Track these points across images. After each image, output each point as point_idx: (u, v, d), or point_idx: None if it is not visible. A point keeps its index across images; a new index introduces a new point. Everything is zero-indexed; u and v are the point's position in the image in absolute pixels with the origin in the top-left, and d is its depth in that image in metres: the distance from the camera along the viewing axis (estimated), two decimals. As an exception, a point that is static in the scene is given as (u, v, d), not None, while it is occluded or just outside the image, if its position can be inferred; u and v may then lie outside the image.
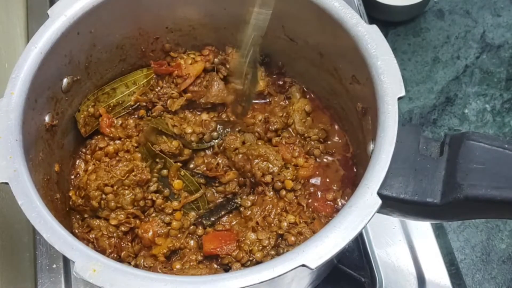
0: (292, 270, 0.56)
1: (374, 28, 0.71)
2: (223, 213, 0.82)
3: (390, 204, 0.65)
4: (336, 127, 0.89)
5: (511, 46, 1.20)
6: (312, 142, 0.86)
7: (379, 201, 0.60)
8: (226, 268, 0.77)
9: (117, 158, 0.83)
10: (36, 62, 0.70)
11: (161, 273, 0.58)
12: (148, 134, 0.84)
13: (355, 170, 0.85)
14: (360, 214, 0.59)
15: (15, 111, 0.66)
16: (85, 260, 0.57)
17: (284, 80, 0.93)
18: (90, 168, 0.83)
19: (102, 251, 0.76)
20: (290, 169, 0.83)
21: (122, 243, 0.78)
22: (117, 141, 0.86)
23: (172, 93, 0.89)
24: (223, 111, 0.92)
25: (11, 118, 0.66)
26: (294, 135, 0.88)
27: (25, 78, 0.68)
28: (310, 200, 0.83)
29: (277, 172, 0.81)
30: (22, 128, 0.67)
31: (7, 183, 0.61)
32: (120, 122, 0.88)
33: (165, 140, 0.83)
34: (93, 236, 0.78)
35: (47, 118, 0.76)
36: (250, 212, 0.81)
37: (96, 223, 0.79)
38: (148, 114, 0.90)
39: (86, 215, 0.81)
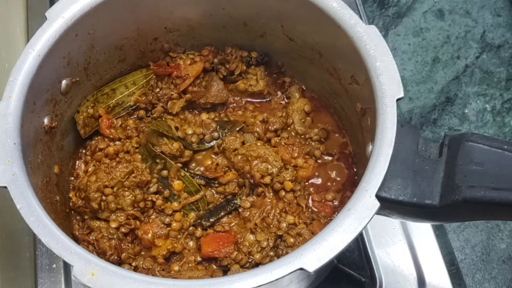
0: (290, 273, 0.56)
1: (373, 28, 0.70)
2: (222, 214, 0.82)
3: (389, 206, 0.65)
4: (336, 127, 0.89)
5: (511, 46, 1.19)
6: (313, 143, 0.86)
7: (377, 204, 0.60)
8: (225, 270, 0.77)
9: (117, 160, 0.83)
10: (34, 64, 0.70)
11: (159, 277, 0.58)
12: (149, 135, 0.84)
13: (355, 170, 0.85)
14: (358, 217, 0.59)
15: (13, 114, 0.66)
16: (84, 264, 0.57)
17: (284, 80, 0.93)
18: (90, 169, 0.83)
19: (103, 253, 0.76)
20: (290, 170, 0.83)
21: (122, 244, 0.78)
22: (117, 142, 0.86)
23: (172, 94, 0.89)
24: (222, 111, 0.92)
25: (9, 121, 0.66)
26: (293, 135, 0.88)
27: (23, 81, 0.68)
28: (309, 201, 0.83)
29: (276, 173, 0.81)
30: (21, 131, 0.67)
31: (5, 187, 0.61)
32: (119, 122, 0.88)
33: (166, 142, 0.83)
34: (94, 237, 0.78)
35: (46, 120, 0.76)
36: (249, 213, 0.81)
37: (96, 225, 0.79)
38: (148, 114, 0.90)
39: (86, 217, 0.81)
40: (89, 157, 0.86)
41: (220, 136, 0.88)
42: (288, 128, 0.88)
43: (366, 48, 0.69)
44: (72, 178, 0.85)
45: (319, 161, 0.86)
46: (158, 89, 0.89)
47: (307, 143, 0.86)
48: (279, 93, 0.93)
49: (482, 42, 1.20)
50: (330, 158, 0.86)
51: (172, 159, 0.84)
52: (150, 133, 0.84)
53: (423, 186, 0.64)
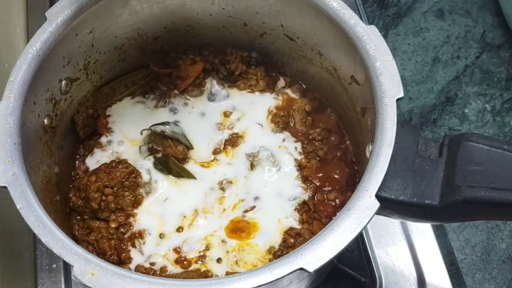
0: (290, 273, 0.56)
1: (373, 28, 0.71)
2: (222, 214, 0.82)
3: (389, 206, 0.65)
4: (336, 126, 0.89)
5: (511, 46, 1.19)
6: (316, 143, 0.86)
7: (377, 204, 0.60)
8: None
9: (117, 160, 0.83)
10: (34, 64, 0.70)
11: (159, 277, 0.58)
12: (153, 137, 0.84)
13: (355, 169, 0.85)
14: (358, 217, 0.59)
15: (13, 114, 0.66)
16: (84, 264, 0.57)
17: (284, 80, 0.93)
18: (90, 169, 0.83)
19: (103, 253, 0.76)
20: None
21: (122, 244, 0.78)
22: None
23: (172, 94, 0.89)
24: (223, 111, 0.92)
25: (9, 121, 0.66)
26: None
27: (23, 81, 0.68)
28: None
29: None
30: (21, 131, 0.67)
31: (5, 187, 0.61)
32: (119, 122, 0.88)
33: (170, 144, 0.83)
34: (93, 238, 0.78)
35: (46, 120, 0.76)
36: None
37: (96, 225, 0.79)
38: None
39: (86, 217, 0.81)
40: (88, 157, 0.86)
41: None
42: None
43: (366, 48, 0.69)
44: (72, 178, 0.85)
45: (321, 160, 0.86)
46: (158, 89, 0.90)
47: (310, 143, 0.86)
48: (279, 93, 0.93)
49: (482, 42, 1.20)
50: (331, 157, 0.86)
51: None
52: (154, 135, 0.84)
53: (423, 186, 0.64)
